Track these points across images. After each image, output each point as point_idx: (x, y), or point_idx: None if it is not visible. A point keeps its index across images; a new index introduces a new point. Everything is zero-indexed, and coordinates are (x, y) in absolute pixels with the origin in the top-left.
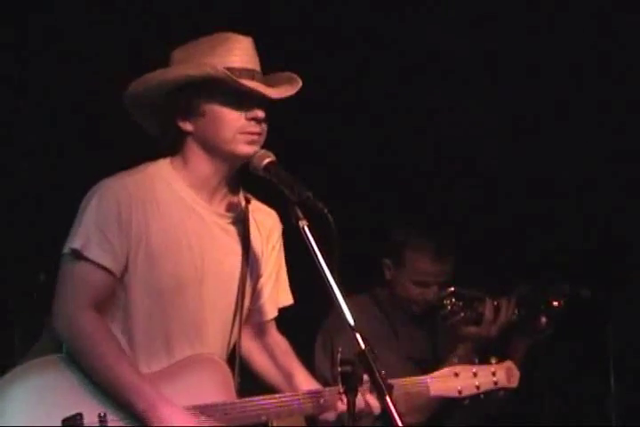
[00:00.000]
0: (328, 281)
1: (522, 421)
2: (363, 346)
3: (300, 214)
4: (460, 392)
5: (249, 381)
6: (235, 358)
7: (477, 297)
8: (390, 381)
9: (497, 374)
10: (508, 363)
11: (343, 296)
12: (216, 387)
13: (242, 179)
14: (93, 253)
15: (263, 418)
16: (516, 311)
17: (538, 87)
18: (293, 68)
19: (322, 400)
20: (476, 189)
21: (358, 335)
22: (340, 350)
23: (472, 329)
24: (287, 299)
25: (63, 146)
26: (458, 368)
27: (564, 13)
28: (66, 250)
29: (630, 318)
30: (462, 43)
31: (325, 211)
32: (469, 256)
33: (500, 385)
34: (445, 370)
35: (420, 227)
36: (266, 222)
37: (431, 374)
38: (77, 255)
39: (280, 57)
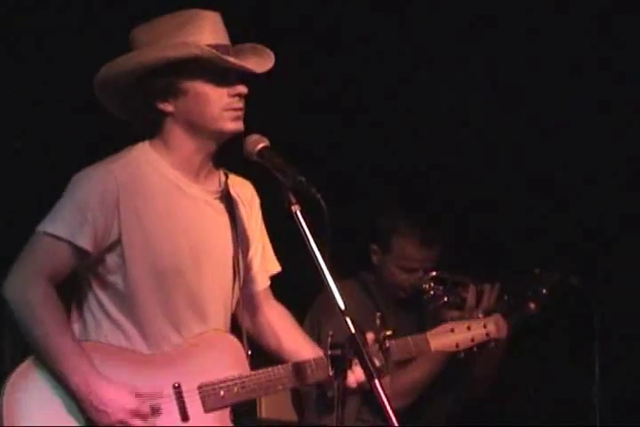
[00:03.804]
0: (319, 265)
1: (513, 420)
2: (353, 330)
3: (293, 199)
4: (457, 346)
5: (260, 353)
6: (239, 331)
7: (461, 282)
8: (394, 341)
9: (487, 327)
10: (496, 316)
11: (334, 280)
12: (230, 362)
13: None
14: (65, 230)
15: (279, 387)
16: (506, 298)
17: (538, 87)
18: (293, 68)
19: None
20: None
21: (348, 319)
22: (330, 333)
23: (455, 314)
24: (275, 266)
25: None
26: (452, 324)
27: (564, 13)
28: (38, 228)
29: (616, 309)
30: (462, 42)
31: (318, 196)
32: (467, 254)
33: (491, 336)
34: (441, 327)
35: (407, 211)
36: (246, 194)
37: (428, 332)
38: (47, 233)
39: (280, 57)
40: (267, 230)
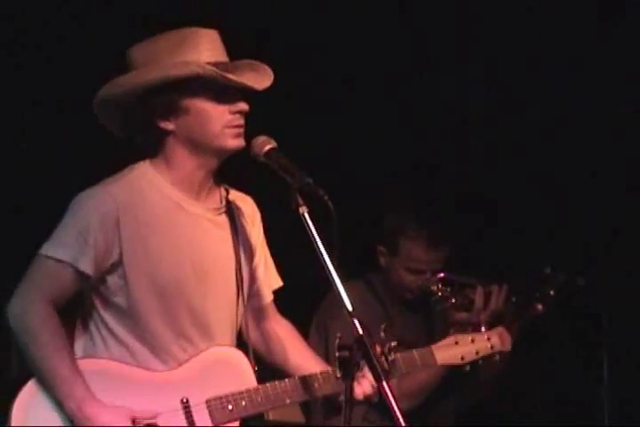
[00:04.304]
0: (327, 267)
1: (518, 420)
2: (360, 331)
3: (301, 201)
4: (462, 358)
5: (266, 367)
6: (246, 346)
7: (469, 284)
8: (399, 354)
9: (492, 340)
10: (500, 329)
11: (342, 282)
12: (237, 376)
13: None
14: (67, 254)
15: (287, 401)
16: (513, 299)
17: (538, 85)
18: (293, 68)
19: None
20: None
21: (356, 321)
22: (338, 335)
23: (463, 315)
24: (277, 281)
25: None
26: (457, 337)
27: (564, 13)
28: (40, 252)
29: (623, 309)
30: (462, 41)
31: (325, 197)
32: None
33: (495, 349)
34: (446, 340)
35: (414, 213)
36: (247, 209)
37: (433, 345)
38: (49, 257)
39: (279, 56)
40: (270, 232)
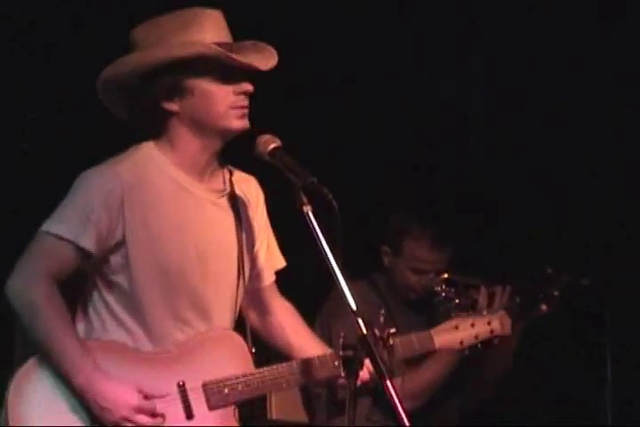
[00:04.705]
0: (331, 266)
1: (521, 420)
2: (364, 331)
3: (305, 200)
4: (461, 343)
5: (264, 351)
6: (244, 329)
7: (472, 284)
8: (398, 338)
9: (492, 323)
10: (501, 312)
11: (346, 281)
12: (234, 360)
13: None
14: (68, 231)
15: (284, 385)
16: (517, 300)
17: (538, 85)
18: (292, 66)
19: (336, 363)
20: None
21: (360, 320)
22: (342, 335)
23: (466, 315)
24: (280, 261)
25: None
26: (457, 321)
27: (565, 13)
28: (42, 229)
29: (628, 309)
30: (462, 41)
31: (330, 196)
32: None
33: (495, 333)
34: (445, 324)
35: (418, 213)
36: (251, 190)
37: (433, 329)
38: (50, 233)
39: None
40: (274, 231)
